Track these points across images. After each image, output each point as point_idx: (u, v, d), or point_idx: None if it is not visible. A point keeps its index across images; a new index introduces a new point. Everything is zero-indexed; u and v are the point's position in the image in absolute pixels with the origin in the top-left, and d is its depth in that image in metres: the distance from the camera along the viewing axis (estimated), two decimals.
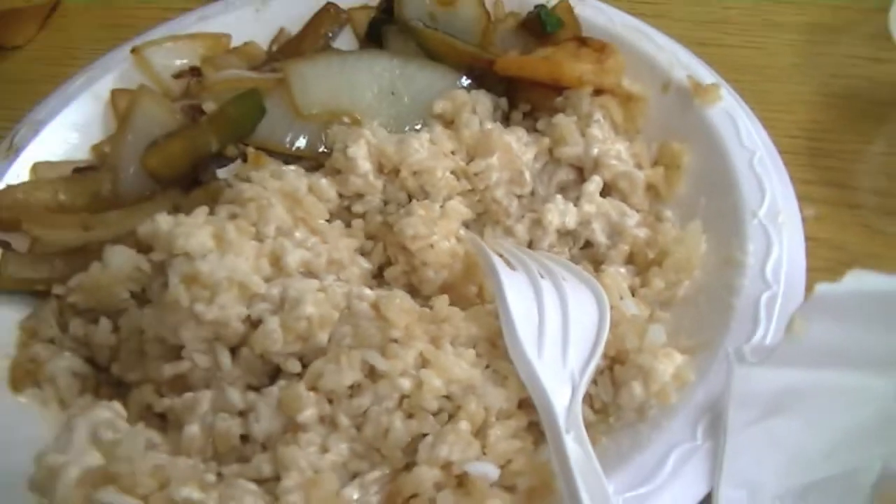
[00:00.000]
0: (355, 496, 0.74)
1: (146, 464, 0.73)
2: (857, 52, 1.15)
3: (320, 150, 1.01)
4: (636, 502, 0.70)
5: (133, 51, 1.13)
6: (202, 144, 1.00)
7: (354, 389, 0.76)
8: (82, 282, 0.89)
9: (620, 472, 0.72)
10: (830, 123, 1.07)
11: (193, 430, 0.78)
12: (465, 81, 1.07)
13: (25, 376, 0.88)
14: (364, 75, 1.05)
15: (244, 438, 0.78)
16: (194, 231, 0.81)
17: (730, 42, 1.20)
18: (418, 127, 1.03)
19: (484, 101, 1.03)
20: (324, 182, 0.94)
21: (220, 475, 0.76)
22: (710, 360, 0.78)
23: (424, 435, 0.75)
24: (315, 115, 1.02)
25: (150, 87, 1.09)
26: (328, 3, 1.19)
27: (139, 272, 0.88)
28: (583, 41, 1.05)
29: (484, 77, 1.07)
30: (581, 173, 0.99)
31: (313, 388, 0.76)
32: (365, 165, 0.94)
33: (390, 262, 0.91)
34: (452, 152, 0.97)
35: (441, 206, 0.91)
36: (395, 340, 0.76)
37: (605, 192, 0.97)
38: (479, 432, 0.75)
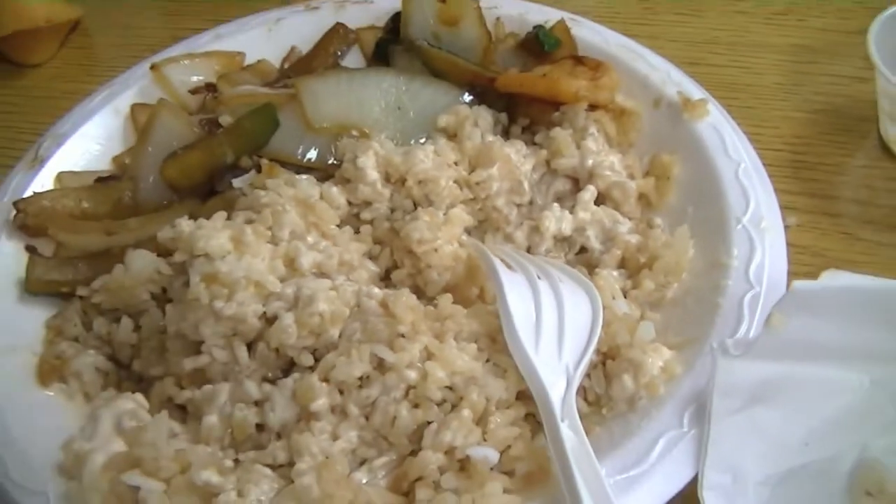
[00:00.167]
0: (364, 480, 0.79)
1: (168, 449, 0.78)
2: (838, 71, 1.18)
3: (330, 161, 1.05)
4: (626, 484, 0.74)
5: (152, 67, 1.17)
6: (218, 155, 1.04)
7: (364, 381, 0.81)
8: (106, 283, 0.93)
9: (612, 456, 0.76)
10: (813, 138, 1.11)
11: (212, 419, 0.82)
12: (468, 97, 1.10)
13: (52, 372, 0.91)
14: (372, 91, 1.09)
15: (260, 427, 0.82)
16: (214, 234, 0.86)
17: (718, 62, 1.24)
18: (423, 140, 1.06)
19: (485, 115, 1.07)
20: (334, 190, 0.98)
21: (237, 461, 0.81)
22: (696, 354, 0.82)
23: (429, 423, 0.79)
24: (325, 129, 1.06)
25: (169, 102, 1.13)
26: (337, 24, 1.24)
27: (159, 275, 0.92)
28: (579, 60, 1.09)
29: (485, 93, 1.10)
30: (576, 183, 1.02)
31: (325, 380, 0.81)
32: (373, 175, 0.98)
33: (397, 266, 0.95)
34: (455, 163, 1.00)
35: (445, 214, 0.95)
36: (402, 335, 0.81)
37: (599, 200, 1.00)
38: (481, 420, 0.79)
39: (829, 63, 1.21)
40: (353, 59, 1.24)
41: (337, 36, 1.24)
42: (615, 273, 0.94)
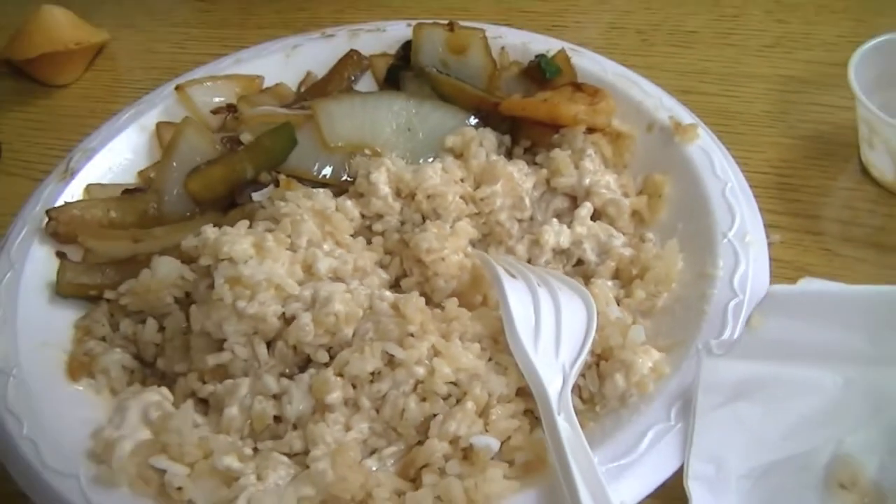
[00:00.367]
0: (374, 468, 0.83)
1: (192, 436, 0.83)
2: (822, 100, 1.23)
3: (343, 178, 1.10)
4: (618, 471, 0.79)
5: (177, 88, 1.23)
6: (239, 171, 1.09)
7: (375, 376, 0.86)
8: (132, 287, 0.98)
9: (604, 447, 0.81)
10: (798, 162, 1.15)
11: (233, 411, 0.87)
12: (473, 120, 1.15)
13: (81, 368, 0.96)
14: (383, 113, 1.14)
15: (277, 419, 0.87)
16: (237, 239, 0.91)
17: (709, 90, 1.29)
18: (431, 159, 1.10)
19: (490, 137, 1.12)
20: (349, 203, 1.04)
21: (256, 450, 0.86)
22: (683, 356, 0.87)
23: (435, 415, 0.84)
24: (340, 148, 1.11)
25: (193, 119, 1.19)
26: (351, 51, 1.30)
27: (182, 280, 0.97)
28: (578, 86, 1.14)
29: (490, 117, 1.15)
30: (574, 201, 1.07)
31: (340, 375, 0.86)
32: (385, 189, 1.04)
33: (406, 274, 1.00)
34: (462, 180, 1.06)
35: (451, 226, 1.00)
36: (411, 334, 0.86)
37: (595, 217, 1.05)
38: (483, 413, 0.84)
39: (815, 93, 1.25)
40: (366, 83, 1.29)
41: (351, 62, 1.29)
42: (609, 283, 0.98)
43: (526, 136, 1.15)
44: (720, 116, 1.21)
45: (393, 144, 1.13)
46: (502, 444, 0.83)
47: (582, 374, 0.88)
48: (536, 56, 1.22)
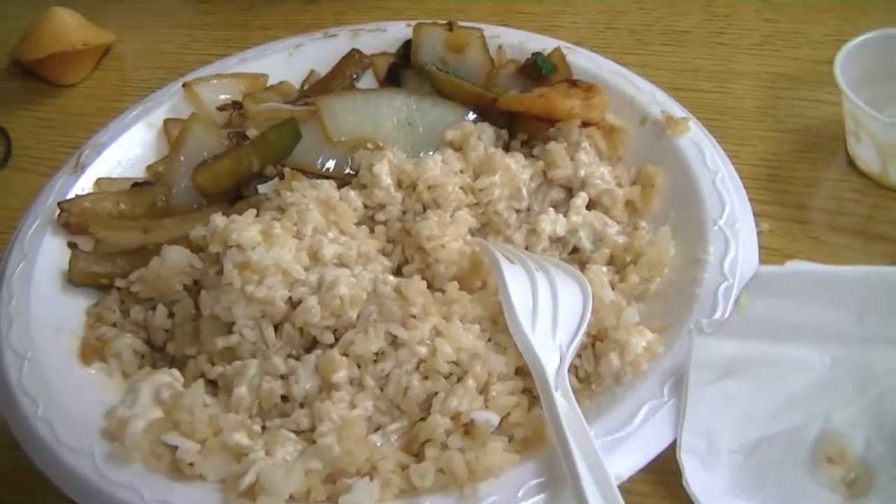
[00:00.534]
0: (379, 443, 0.86)
1: (203, 414, 0.85)
2: (809, 95, 1.26)
3: (346, 171, 1.13)
4: (613, 444, 0.81)
5: (184, 85, 1.26)
6: (245, 164, 1.11)
7: (379, 356, 0.89)
8: (143, 275, 1.01)
9: (600, 421, 0.84)
10: (786, 155, 1.18)
11: (242, 391, 0.90)
12: (472, 116, 1.17)
13: (93, 352, 0.99)
14: (385, 109, 1.17)
15: (285, 398, 0.90)
16: (245, 227, 0.94)
17: (701, 87, 1.32)
18: (431, 153, 1.13)
19: (488, 131, 1.15)
20: (352, 194, 1.06)
21: (264, 428, 0.89)
22: (675, 336, 0.89)
23: (437, 393, 0.87)
24: (343, 142, 1.14)
25: (200, 115, 1.22)
26: (353, 50, 1.32)
27: (191, 268, 1.00)
28: (573, 83, 1.16)
29: (488, 112, 1.17)
30: (570, 192, 1.09)
31: (345, 354, 0.89)
32: (387, 180, 1.07)
33: (408, 261, 1.03)
34: (461, 171, 1.08)
35: (451, 215, 1.03)
36: (414, 316, 0.89)
37: (590, 206, 1.07)
38: (483, 390, 0.87)
39: (803, 89, 1.29)
40: (367, 81, 1.32)
41: (353, 60, 1.32)
42: (604, 269, 1.01)
43: (523, 130, 1.17)
44: (711, 112, 1.24)
45: (394, 139, 1.16)
46: (502, 420, 0.86)
47: (578, 355, 0.91)
48: (533, 54, 1.24)
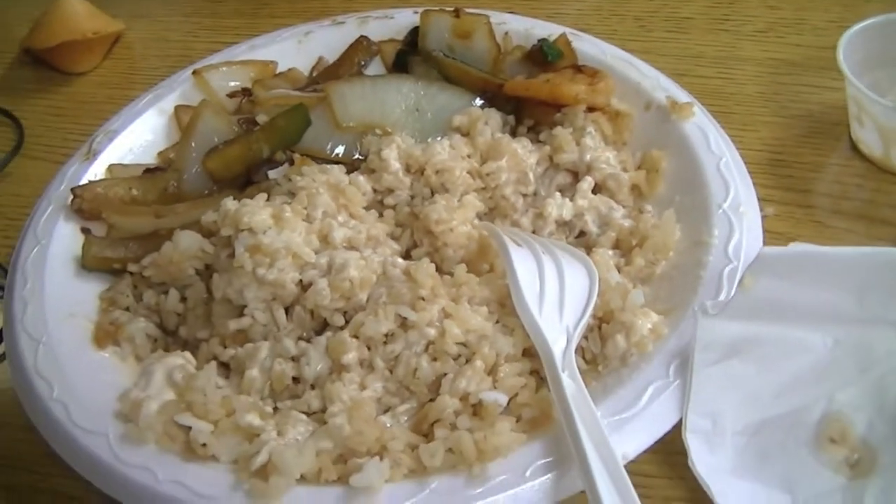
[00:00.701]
0: (388, 424, 0.87)
1: (216, 396, 0.87)
2: (811, 81, 1.28)
3: (355, 156, 1.14)
4: (619, 424, 0.82)
5: (194, 73, 1.27)
6: (256, 150, 1.12)
7: (389, 337, 0.90)
8: (155, 259, 1.02)
9: (606, 401, 0.85)
10: (790, 140, 1.20)
11: (254, 373, 0.91)
12: (479, 101, 1.19)
13: (106, 336, 0.99)
14: (393, 95, 1.18)
15: (296, 380, 0.91)
16: (257, 211, 0.96)
17: (705, 73, 1.33)
18: (439, 138, 1.14)
19: (495, 116, 1.16)
20: (361, 179, 1.08)
21: (275, 409, 0.90)
22: (680, 318, 0.90)
23: (446, 374, 0.88)
24: (352, 128, 1.16)
25: (211, 102, 1.23)
26: (361, 37, 1.33)
27: (203, 252, 1.01)
28: (578, 68, 1.18)
29: (495, 98, 1.19)
30: (576, 177, 1.10)
31: (355, 336, 0.90)
32: (395, 165, 1.08)
33: (416, 245, 1.04)
34: (469, 156, 1.09)
35: (459, 200, 1.04)
36: (423, 298, 0.90)
37: (596, 190, 1.08)
38: (491, 371, 0.88)
39: (806, 74, 1.30)
40: (375, 68, 1.33)
41: (361, 47, 1.33)
42: (610, 252, 1.02)
43: (529, 115, 1.18)
44: (715, 97, 1.25)
45: (403, 124, 1.17)
46: (510, 400, 0.87)
47: (585, 337, 0.92)
48: (539, 40, 1.25)
